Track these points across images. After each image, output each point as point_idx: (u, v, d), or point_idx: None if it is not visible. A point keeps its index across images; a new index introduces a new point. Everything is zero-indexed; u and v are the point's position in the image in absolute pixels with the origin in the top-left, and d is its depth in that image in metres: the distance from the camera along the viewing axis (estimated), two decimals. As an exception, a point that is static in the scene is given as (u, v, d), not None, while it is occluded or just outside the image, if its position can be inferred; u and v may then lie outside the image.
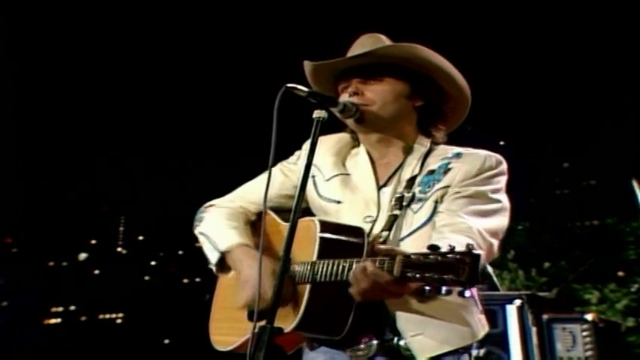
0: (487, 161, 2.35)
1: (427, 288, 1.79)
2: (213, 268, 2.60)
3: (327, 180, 2.54)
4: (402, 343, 2.25)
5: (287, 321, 2.13)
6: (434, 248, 1.80)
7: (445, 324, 2.22)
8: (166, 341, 21.68)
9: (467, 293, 1.77)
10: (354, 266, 2.04)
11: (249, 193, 2.68)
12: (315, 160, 2.25)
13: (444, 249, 1.79)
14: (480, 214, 2.25)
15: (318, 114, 2.23)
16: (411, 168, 2.41)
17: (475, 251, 1.76)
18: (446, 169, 2.37)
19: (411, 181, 2.38)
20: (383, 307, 2.24)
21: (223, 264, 2.56)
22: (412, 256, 1.83)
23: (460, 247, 1.78)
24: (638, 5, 10.95)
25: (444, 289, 1.77)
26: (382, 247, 2.04)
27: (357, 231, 2.31)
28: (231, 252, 2.50)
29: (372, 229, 2.34)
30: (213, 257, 2.55)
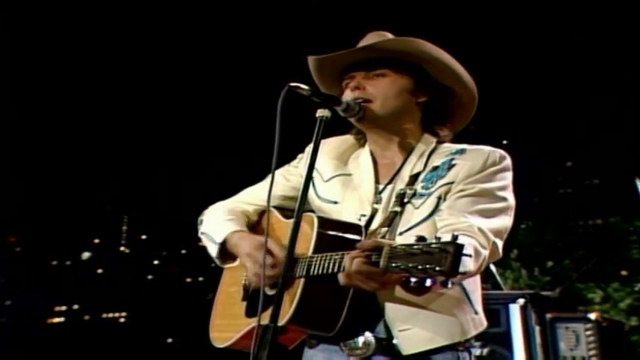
0: (491, 157, 2.35)
1: (412, 279, 1.80)
2: (217, 262, 2.64)
3: (326, 181, 2.55)
4: (395, 339, 2.26)
5: (280, 315, 2.14)
6: (421, 239, 1.81)
7: (434, 321, 2.24)
8: (169, 340, 21.68)
9: (449, 284, 1.78)
10: (344, 259, 2.07)
11: (247, 196, 2.72)
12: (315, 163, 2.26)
13: (430, 240, 1.80)
14: (484, 214, 2.24)
15: (321, 113, 2.24)
16: (411, 165, 2.41)
17: (459, 241, 1.77)
18: (450, 165, 2.37)
19: (413, 178, 2.38)
20: (376, 303, 2.25)
21: (226, 255, 2.59)
22: (398, 247, 1.84)
23: (446, 238, 1.78)
24: (638, 5, 10.93)
25: (428, 281, 1.78)
26: (374, 240, 2.07)
27: (354, 227, 2.33)
28: (229, 240, 2.54)
29: (369, 225, 2.35)
30: (213, 251, 2.60)
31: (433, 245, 1.77)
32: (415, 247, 1.80)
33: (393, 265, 1.83)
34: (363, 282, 1.97)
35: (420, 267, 1.77)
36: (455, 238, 1.77)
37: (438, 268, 1.74)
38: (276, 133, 2.17)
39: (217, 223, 2.62)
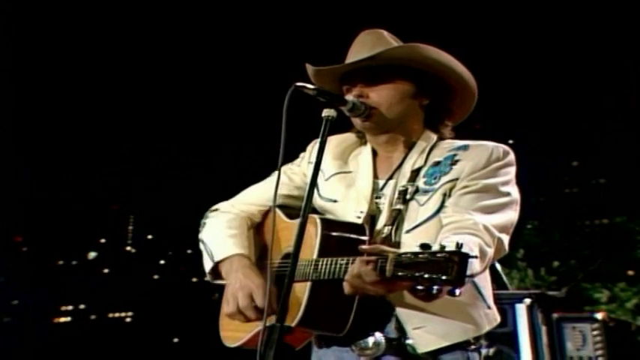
0: (494, 152, 2.33)
1: (419, 287, 1.80)
2: (208, 277, 2.61)
3: (327, 179, 2.54)
4: (409, 341, 2.25)
5: (289, 318, 2.13)
6: (425, 247, 1.81)
7: (448, 318, 2.22)
8: (175, 340, 21.74)
9: (457, 292, 1.77)
10: (350, 265, 2.06)
11: (252, 196, 2.69)
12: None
13: (435, 248, 1.80)
14: (488, 210, 2.23)
15: (327, 113, 2.22)
16: (412, 161, 2.40)
17: (464, 250, 1.77)
18: (453, 161, 2.35)
19: (414, 174, 2.37)
20: (386, 302, 2.24)
21: (218, 272, 2.57)
22: (403, 256, 1.84)
23: (450, 246, 1.78)
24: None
25: (434, 288, 1.78)
26: (377, 246, 2.05)
27: (358, 228, 2.31)
28: (225, 262, 2.51)
29: (373, 224, 2.34)
30: (207, 266, 2.56)
31: (438, 254, 1.77)
32: (421, 255, 1.80)
33: (400, 273, 1.83)
34: (368, 289, 1.97)
35: (426, 276, 1.77)
36: (459, 246, 1.77)
37: (444, 277, 1.75)
38: (282, 133, 2.16)
39: (219, 238, 2.58)
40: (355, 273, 1.97)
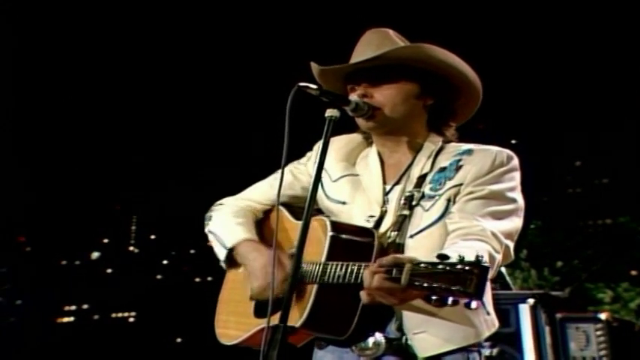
0: (498, 157, 2.32)
1: (433, 297, 1.78)
2: (223, 265, 2.63)
3: (334, 181, 2.53)
4: (409, 342, 2.24)
5: (293, 319, 2.13)
6: (443, 257, 1.78)
7: (449, 323, 2.21)
8: (179, 340, 21.75)
9: (473, 305, 1.75)
10: (361, 271, 2.05)
11: (256, 193, 2.70)
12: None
13: (454, 259, 1.77)
14: (495, 216, 2.22)
15: (330, 113, 2.22)
16: (420, 166, 2.39)
17: (484, 263, 1.74)
18: (457, 166, 2.34)
19: (421, 180, 2.36)
20: (389, 307, 2.23)
21: (232, 260, 2.59)
22: (421, 265, 1.81)
23: (470, 257, 1.76)
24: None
25: (450, 299, 1.75)
26: (393, 255, 2.03)
27: (367, 232, 2.30)
28: (237, 247, 2.54)
29: (378, 228, 2.33)
30: (221, 254, 2.59)
31: (458, 266, 1.74)
32: (439, 266, 1.77)
33: (416, 283, 1.80)
34: (383, 297, 1.94)
35: (443, 287, 1.74)
36: (479, 259, 1.74)
37: (462, 290, 1.72)
38: (285, 133, 2.16)
39: (227, 226, 2.62)
40: (371, 279, 1.94)
